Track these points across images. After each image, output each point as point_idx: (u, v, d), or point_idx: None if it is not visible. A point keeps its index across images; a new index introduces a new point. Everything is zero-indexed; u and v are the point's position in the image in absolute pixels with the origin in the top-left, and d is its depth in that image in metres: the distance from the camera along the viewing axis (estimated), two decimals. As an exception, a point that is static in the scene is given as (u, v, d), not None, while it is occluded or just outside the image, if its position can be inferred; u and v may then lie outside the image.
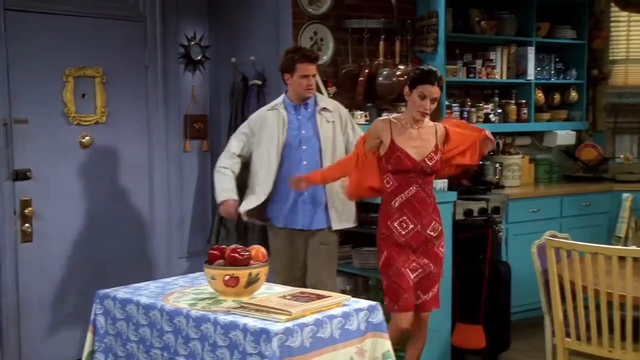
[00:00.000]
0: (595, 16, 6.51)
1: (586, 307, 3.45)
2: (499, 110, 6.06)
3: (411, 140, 3.92)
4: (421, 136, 3.96)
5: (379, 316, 2.77)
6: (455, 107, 5.76)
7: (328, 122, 4.39)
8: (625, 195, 6.17)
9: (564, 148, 6.66)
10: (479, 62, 5.91)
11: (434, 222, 3.95)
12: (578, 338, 3.39)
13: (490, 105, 6.02)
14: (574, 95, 6.44)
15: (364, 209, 4.65)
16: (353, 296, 2.93)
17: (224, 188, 4.38)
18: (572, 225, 5.84)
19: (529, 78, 6.11)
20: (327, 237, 4.39)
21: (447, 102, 5.67)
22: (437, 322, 4.71)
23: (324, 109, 4.41)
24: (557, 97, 6.44)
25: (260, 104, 5.22)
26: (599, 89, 6.63)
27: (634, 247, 3.67)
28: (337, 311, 2.66)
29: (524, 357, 5.01)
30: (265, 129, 4.35)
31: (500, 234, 5.09)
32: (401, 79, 5.22)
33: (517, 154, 6.20)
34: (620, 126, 6.94)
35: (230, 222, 5.16)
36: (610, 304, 3.28)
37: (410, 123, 3.93)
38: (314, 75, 4.37)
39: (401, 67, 5.33)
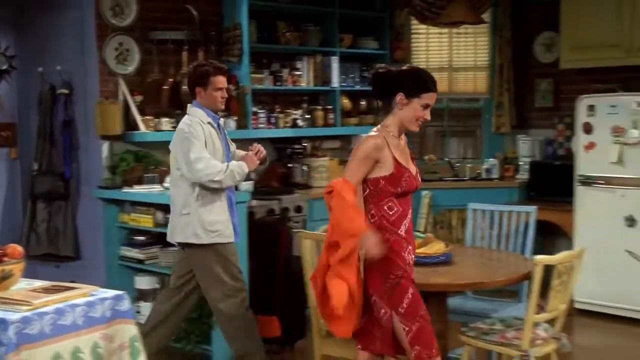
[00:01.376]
0: (395, 28, 7.05)
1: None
2: (307, 116, 6.47)
3: (405, 155, 3.47)
4: (405, 149, 3.52)
5: (125, 305, 3.06)
6: (262, 114, 6.12)
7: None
8: (424, 192, 6.74)
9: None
10: (285, 71, 6.31)
11: None
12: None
13: (299, 112, 6.43)
14: (379, 101, 6.95)
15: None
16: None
17: (236, 164, 4.32)
18: (376, 222, 6.32)
19: (333, 86, 6.56)
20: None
21: (254, 109, 6.04)
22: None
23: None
24: (363, 103, 6.94)
25: (68, 112, 5.44)
26: (403, 96, 7.17)
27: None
28: (81, 300, 2.93)
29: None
30: (209, 139, 4.31)
31: (294, 230, 5.47)
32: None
33: (325, 156, 6.62)
34: (432, 129, 7.53)
35: (43, 227, 5.35)
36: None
37: (397, 135, 3.44)
38: (227, 88, 4.46)
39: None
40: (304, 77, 6.43)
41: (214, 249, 4.35)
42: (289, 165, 6.38)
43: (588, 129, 6.00)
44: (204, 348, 5.03)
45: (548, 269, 3.63)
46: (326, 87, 6.56)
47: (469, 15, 6.63)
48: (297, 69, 6.38)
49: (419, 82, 3.38)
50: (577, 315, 6.06)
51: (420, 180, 3.55)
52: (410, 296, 3.35)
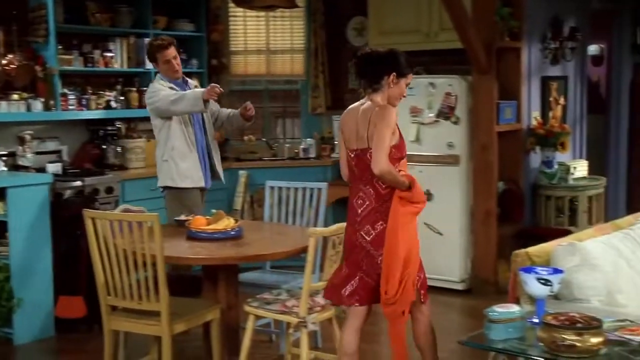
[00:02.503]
0: (212, 11, 7.16)
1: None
2: (122, 97, 6.48)
3: None
4: None
5: None
6: (72, 95, 6.07)
7: None
8: (241, 172, 6.92)
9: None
10: (97, 52, 6.28)
11: None
12: (116, 295, 3.90)
13: (113, 93, 6.42)
14: (196, 83, 7.02)
15: None
16: None
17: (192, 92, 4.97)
18: (193, 202, 6.44)
19: (148, 67, 6.58)
20: None
21: (64, 91, 5.99)
22: (38, 295, 5.06)
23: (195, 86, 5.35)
24: (180, 85, 7.01)
25: None
26: (221, 78, 7.31)
27: (137, 213, 4.25)
28: None
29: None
30: None
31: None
32: (6, 68, 5.52)
33: (140, 137, 6.66)
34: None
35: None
36: (137, 263, 3.82)
37: None
38: (175, 57, 5.06)
39: (9, 56, 5.60)
40: (117, 58, 6.43)
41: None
42: (103, 146, 6.37)
43: (390, 109, 6.36)
44: (5, 331, 5.01)
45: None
46: (141, 69, 6.59)
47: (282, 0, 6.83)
48: (110, 51, 6.37)
49: (406, 63, 3.71)
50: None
51: None
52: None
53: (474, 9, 5.99)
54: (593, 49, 8.62)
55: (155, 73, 5.34)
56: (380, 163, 3.53)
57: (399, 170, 3.65)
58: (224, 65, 7.28)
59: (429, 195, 6.18)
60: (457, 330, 5.16)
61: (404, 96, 3.77)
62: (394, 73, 3.65)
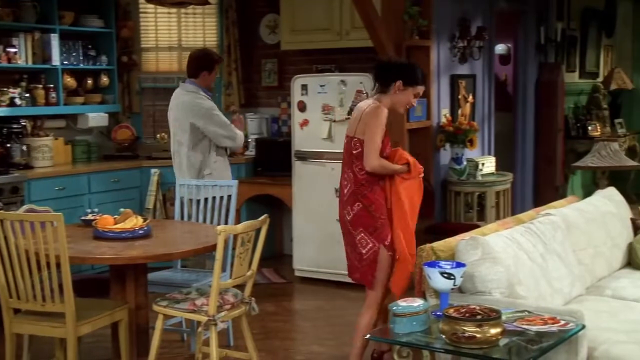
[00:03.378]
0: (122, 7, 7.04)
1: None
2: (27, 95, 6.30)
3: None
4: None
5: None
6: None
7: None
8: (153, 170, 6.81)
9: (102, 129, 7.12)
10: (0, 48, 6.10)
11: None
12: (19, 297, 3.79)
13: (17, 90, 6.23)
14: (105, 80, 6.92)
15: None
16: None
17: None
18: (103, 200, 6.35)
19: (54, 64, 6.43)
20: None
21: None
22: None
23: None
24: (90, 82, 6.87)
25: None
26: (132, 75, 7.20)
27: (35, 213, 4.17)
28: None
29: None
30: None
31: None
32: None
33: (47, 135, 6.49)
34: (161, 108, 7.59)
35: None
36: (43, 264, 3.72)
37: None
38: None
39: None
40: (21, 54, 6.24)
41: None
42: (7, 145, 6.18)
43: (302, 107, 6.39)
44: None
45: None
46: (47, 65, 6.42)
47: (193, -4, 6.76)
48: (13, 46, 6.18)
49: (416, 74, 4.18)
50: (299, 282, 6.47)
51: None
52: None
53: (384, 8, 6.07)
54: (500, 48, 8.87)
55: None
56: (370, 161, 4.03)
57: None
58: (134, 62, 7.16)
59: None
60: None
61: (412, 105, 4.28)
62: (401, 81, 4.10)
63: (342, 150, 6.16)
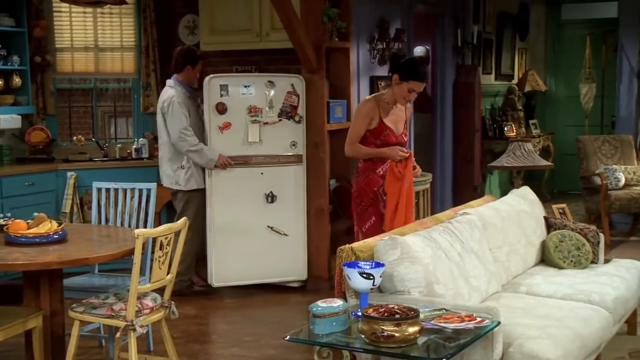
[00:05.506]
0: (34, 5, 6.84)
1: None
2: None
3: (392, 117, 4.74)
4: (396, 113, 4.77)
5: None
6: None
7: None
8: (69, 173, 6.66)
9: (15, 132, 6.90)
10: None
11: None
12: None
13: None
14: (17, 81, 6.70)
15: None
16: None
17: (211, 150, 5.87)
18: (17, 205, 6.14)
19: (-35, 63, 6.22)
20: None
21: None
22: None
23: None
24: (1, 82, 6.64)
25: None
26: (46, 75, 7.00)
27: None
28: None
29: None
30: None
31: None
32: None
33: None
34: (78, 109, 7.43)
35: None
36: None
37: (391, 103, 4.73)
38: None
39: None
40: None
41: None
42: None
43: (222, 109, 6.22)
44: None
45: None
46: (-44, 65, 6.20)
47: (108, -4, 6.63)
48: None
49: (413, 71, 4.52)
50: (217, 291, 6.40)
51: (404, 139, 4.88)
52: (372, 222, 4.78)
53: (303, 10, 6.07)
54: (419, 50, 9.00)
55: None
56: (345, 147, 4.83)
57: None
58: (48, 63, 6.96)
59: (272, 198, 6.14)
60: (288, 326, 5.19)
61: (409, 99, 4.66)
62: (397, 75, 4.53)
63: (273, 153, 6.17)
